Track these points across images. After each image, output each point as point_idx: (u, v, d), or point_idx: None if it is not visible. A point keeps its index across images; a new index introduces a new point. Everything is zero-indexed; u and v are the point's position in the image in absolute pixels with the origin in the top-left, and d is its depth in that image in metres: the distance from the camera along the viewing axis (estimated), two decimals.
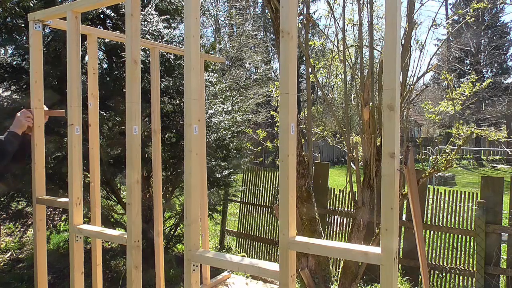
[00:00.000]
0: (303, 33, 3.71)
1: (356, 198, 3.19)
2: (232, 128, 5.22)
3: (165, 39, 4.25)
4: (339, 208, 5.29)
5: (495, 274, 4.36)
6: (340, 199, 5.36)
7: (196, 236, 1.86)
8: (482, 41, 25.88)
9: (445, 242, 4.81)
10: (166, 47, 3.61)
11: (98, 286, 2.72)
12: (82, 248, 2.43)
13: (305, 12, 3.46)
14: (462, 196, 4.84)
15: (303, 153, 3.21)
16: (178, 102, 4.44)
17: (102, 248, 2.95)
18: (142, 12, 4.19)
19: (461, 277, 4.66)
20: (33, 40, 2.47)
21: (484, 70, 26.29)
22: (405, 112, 3.40)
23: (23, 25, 3.84)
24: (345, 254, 1.62)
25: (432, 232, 4.86)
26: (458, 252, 4.73)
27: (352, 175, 3.30)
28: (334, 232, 5.31)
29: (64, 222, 6.11)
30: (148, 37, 4.05)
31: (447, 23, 4.01)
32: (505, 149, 6.34)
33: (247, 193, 6.21)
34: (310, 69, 3.47)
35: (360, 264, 3.14)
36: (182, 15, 4.68)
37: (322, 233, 3.31)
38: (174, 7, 4.70)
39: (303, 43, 3.33)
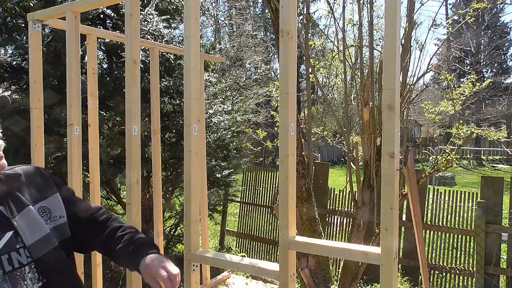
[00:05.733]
0: (303, 33, 3.71)
1: (356, 198, 3.19)
2: (232, 128, 5.21)
3: (165, 39, 4.25)
4: (339, 208, 5.28)
5: (495, 274, 4.36)
6: (340, 199, 5.36)
7: (196, 236, 1.86)
8: (482, 41, 25.86)
9: (445, 242, 4.80)
10: (166, 47, 3.61)
11: (98, 286, 2.72)
12: None
13: (305, 12, 3.46)
14: (462, 196, 4.84)
15: (303, 153, 3.21)
16: (178, 102, 4.44)
17: None
18: (142, 12, 4.18)
19: (461, 277, 4.66)
20: (32, 40, 2.47)
21: (484, 70, 26.27)
22: (405, 112, 3.40)
23: (23, 25, 3.84)
24: (345, 254, 1.62)
25: (432, 232, 4.85)
26: (458, 252, 4.73)
27: (352, 175, 3.30)
28: (334, 232, 5.30)
29: None
30: (148, 37, 4.05)
31: (447, 23, 4.01)
32: (505, 149, 6.33)
33: (247, 193, 6.21)
34: (310, 69, 3.47)
35: (360, 264, 3.14)
36: (182, 15, 4.67)
37: (322, 233, 3.31)
38: (174, 7, 4.70)
39: (303, 43, 3.33)
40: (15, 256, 1.04)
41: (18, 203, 1.11)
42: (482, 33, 24.95)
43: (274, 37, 17.58)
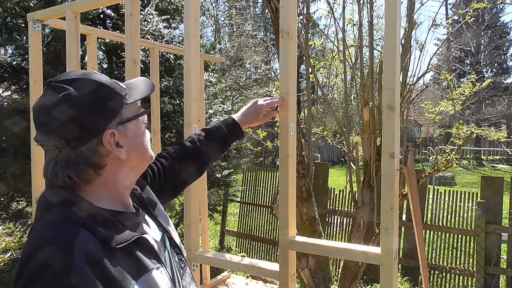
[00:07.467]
0: (303, 33, 3.71)
1: (356, 198, 3.19)
2: None
3: (165, 39, 4.25)
4: (339, 208, 5.28)
5: (495, 274, 4.36)
6: (340, 199, 5.35)
7: (196, 236, 1.86)
8: (482, 41, 25.85)
9: (445, 242, 4.80)
10: (166, 47, 3.61)
11: None
12: None
13: (305, 12, 3.46)
14: (462, 196, 4.84)
15: (303, 153, 3.20)
16: (178, 102, 4.44)
17: None
18: (142, 12, 4.19)
19: (461, 277, 4.66)
20: (32, 40, 2.47)
21: (484, 70, 26.26)
22: (405, 112, 3.40)
23: (23, 25, 3.84)
24: (345, 254, 1.62)
25: (432, 232, 4.85)
26: (458, 252, 4.73)
27: (352, 175, 3.30)
28: (334, 232, 5.30)
29: None
30: (148, 37, 4.05)
31: (447, 23, 4.01)
32: (505, 149, 6.34)
33: (247, 193, 6.21)
34: (310, 69, 3.47)
35: (360, 264, 3.14)
36: (182, 15, 4.68)
37: (322, 233, 3.31)
38: (174, 7, 4.71)
39: (303, 43, 3.33)
40: (180, 256, 0.99)
41: (151, 201, 0.99)
42: (482, 33, 24.94)
43: (274, 37, 17.57)
